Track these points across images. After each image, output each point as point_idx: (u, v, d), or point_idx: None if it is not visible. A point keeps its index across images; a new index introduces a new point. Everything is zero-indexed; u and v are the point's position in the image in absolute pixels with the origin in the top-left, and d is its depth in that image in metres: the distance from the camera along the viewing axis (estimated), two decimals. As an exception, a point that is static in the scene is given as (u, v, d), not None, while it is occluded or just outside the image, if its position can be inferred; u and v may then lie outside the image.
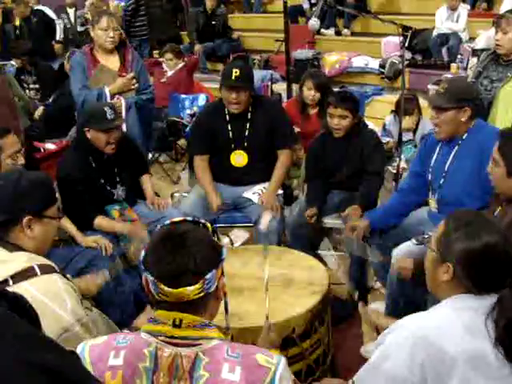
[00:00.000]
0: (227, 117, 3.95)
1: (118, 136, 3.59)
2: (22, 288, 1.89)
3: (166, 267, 1.52)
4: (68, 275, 2.22)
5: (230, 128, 3.96)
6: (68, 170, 3.57)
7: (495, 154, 2.56)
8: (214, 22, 10.22)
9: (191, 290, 1.51)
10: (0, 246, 2.06)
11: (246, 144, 3.96)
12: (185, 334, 1.53)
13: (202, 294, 1.53)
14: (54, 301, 1.96)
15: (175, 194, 4.68)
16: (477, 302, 1.72)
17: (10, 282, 1.93)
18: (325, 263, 3.56)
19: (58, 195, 3.27)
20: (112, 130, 3.54)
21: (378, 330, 2.55)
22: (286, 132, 4.07)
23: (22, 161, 3.06)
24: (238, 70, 3.76)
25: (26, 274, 1.96)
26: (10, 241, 2.10)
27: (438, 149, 3.28)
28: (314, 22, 4.17)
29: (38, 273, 1.99)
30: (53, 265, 2.10)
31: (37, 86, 6.79)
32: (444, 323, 1.70)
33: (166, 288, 1.51)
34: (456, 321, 1.69)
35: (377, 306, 3.64)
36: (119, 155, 3.70)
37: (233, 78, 3.76)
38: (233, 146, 3.97)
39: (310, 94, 4.54)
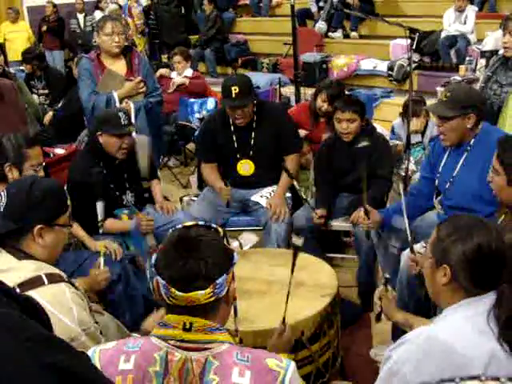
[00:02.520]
0: (232, 127, 3.94)
1: (130, 142, 3.62)
2: None
3: (178, 271, 1.52)
4: (77, 284, 2.21)
5: (234, 138, 3.96)
6: (79, 174, 3.59)
7: (495, 163, 2.55)
8: (208, 26, 10.33)
9: (202, 295, 1.52)
10: (9, 254, 2.05)
11: (251, 153, 3.96)
12: (195, 337, 1.53)
13: (212, 299, 1.54)
14: (60, 310, 1.96)
15: (184, 198, 4.69)
16: (478, 304, 1.72)
17: (17, 291, 1.91)
18: (334, 266, 3.56)
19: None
20: (125, 136, 3.57)
21: (380, 316, 2.56)
22: (292, 138, 4.07)
23: (41, 173, 3.07)
24: (236, 88, 3.70)
25: (33, 283, 1.96)
26: (21, 249, 2.09)
27: (446, 155, 3.27)
28: (322, 26, 4.18)
29: (46, 282, 1.98)
30: (61, 273, 2.09)
31: (46, 91, 6.82)
32: (452, 332, 1.69)
33: (177, 292, 1.51)
34: (464, 326, 1.69)
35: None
36: (129, 161, 3.73)
37: (233, 96, 3.72)
38: (238, 155, 3.97)
39: (323, 106, 4.54)
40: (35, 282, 1.97)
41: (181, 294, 1.51)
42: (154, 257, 1.60)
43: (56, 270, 2.09)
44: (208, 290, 1.52)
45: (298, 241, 2.60)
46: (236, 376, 1.50)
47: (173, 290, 1.52)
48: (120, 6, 11.02)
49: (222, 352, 1.53)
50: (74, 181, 3.57)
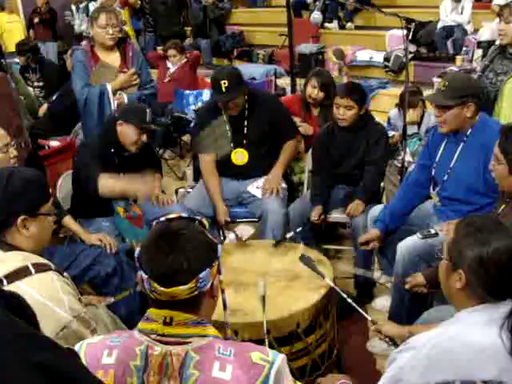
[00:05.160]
0: (225, 117, 3.93)
1: (145, 140, 3.62)
2: (16, 288, 1.85)
3: (159, 266, 1.50)
4: (65, 273, 2.18)
5: (228, 128, 3.95)
6: (91, 153, 3.58)
7: (496, 151, 2.52)
8: (208, 18, 10.33)
9: (183, 290, 1.49)
10: None
11: (245, 142, 3.95)
12: (175, 331, 1.51)
13: (195, 293, 1.52)
14: (50, 299, 1.94)
15: (180, 190, 4.68)
16: (493, 312, 1.65)
17: (5, 282, 1.91)
18: (330, 257, 3.55)
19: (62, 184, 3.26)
20: (144, 132, 3.58)
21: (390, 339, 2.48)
22: (288, 124, 4.08)
23: (13, 153, 3.00)
24: (226, 81, 3.70)
25: (20, 274, 1.93)
26: (6, 241, 2.06)
27: (443, 145, 3.25)
28: (317, 16, 4.15)
29: (33, 272, 1.96)
30: (48, 263, 2.07)
31: (41, 83, 6.81)
32: (461, 341, 1.63)
33: (158, 287, 1.49)
34: (474, 335, 1.63)
35: (382, 303, 3.64)
36: (138, 157, 3.73)
37: (223, 90, 3.72)
38: (232, 145, 3.96)
39: (314, 92, 4.51)
40: (22, 273, 1.94)
41: (162, 289, 1.49)
42: (137, 250, 1.58)
43: (42, 260, 2.07)
44: (190, 285, 1.50)
45: (261, 289, 2.61)
46: (216, 370, 1.47)
47: (155, 285, 1.50)
48: None
49: (203, 346, 1.51)
50: (85, 159, 3.58)
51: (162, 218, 1.64)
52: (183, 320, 1.52)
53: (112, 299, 2.88)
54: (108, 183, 3.52)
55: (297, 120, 4.51)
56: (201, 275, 1.51)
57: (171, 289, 1.49)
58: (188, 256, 1.51)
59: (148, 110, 3.63)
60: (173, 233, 1.56)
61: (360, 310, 2.67)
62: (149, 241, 1.58)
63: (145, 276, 1.52)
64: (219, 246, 1.62)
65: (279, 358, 1.53)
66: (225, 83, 3.70)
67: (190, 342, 1.51)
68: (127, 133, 3.57)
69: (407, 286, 2.85)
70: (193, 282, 1.50)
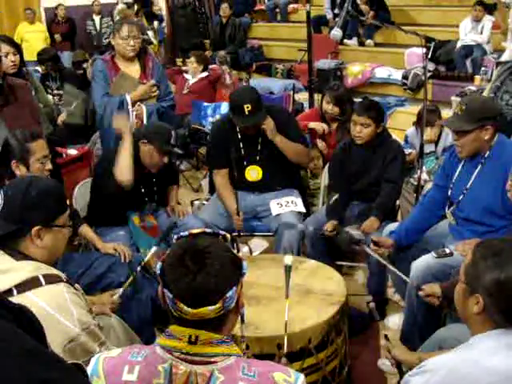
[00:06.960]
0: (238, 134, 3.93)
1: (166, 162, 3.63)
2: (26, 298, 1.86)
3: (186, 287, 1.46)
4: (77, 285, 2.18)
5: (241, 145, 3.95)
6: (110, 163, 3.56)
7: None
8: (226, 31, 10.38)
9: (211, 310, 1.47)
10: (8, 255, 2.02)
11: (258, 158, 3.95)
12: (200, 350, 1.49)
13: (222, 312, 1.49)
14: (59, 311, 1.93)
15: (195, 202, 4.69)
16: (508, 338, 1.62)
17: (14, 292, 1.90)
18: (343, 274, 3.54)
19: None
20: (167, 155, 3.59)
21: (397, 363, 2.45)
22: (297, 135, 4.02)
23: (49, 166, 3.05)
24: (249, 105, 3.68)
25: (30, 284, 1.93)
26: (19, 250, 2.05)
27: (460, 165, 3.23)
28: (337, 32, 4.14)
29: (43, 283, 1.95)
30: (59, 274, 2.06)
31: (61, 91, 6.85)
32: (477, 367, 1.60)
33: (185, 307, 1.46)
34: (488, 360, 1.60)
35: (395, 320, 3.62)
36: (160, 173, 3.75)
37: (246, 113, 3.70)
38: (245, 162, 3.97)
39: (328, 107, 4.53)
40: (32, 283, 1.94)
41: (190, 310, 1.46)
42: (158, 265, 1.54)
43: (54, 271, 2.06)
44: (218, 306, 1.47)
45: (288, 259, 2.61)
46: None
47: (181, 305, 1.47)
48: (128, 6, 11.05)
49: (227, 366, 1.49)
50: (107, 170, 3.56)
51: (185, 233, 1.59)
52: (209, 339, 1.49)
53: (121, 290, 2.91)
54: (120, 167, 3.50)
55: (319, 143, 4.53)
56: (228, 295, 1.48)
57: (198, 310, 1.46)
58: (216, 276, 1.47)
59: (173, 132, 3.62)
60: (199, 251, 1.51)
61: (398, 272, 2.70)
62: (173, 259, 1.52)
63: (169, 295, 1.49)
64: (244, 263, 1.58)
65: (301, 379, 1.51)
66: (248, 107, 3.69)
67: (215, 362, 1.49)
68: (149, 154, 3.57)
69: (421, 293, 2.82)
70: (220, 302, 1.47)
